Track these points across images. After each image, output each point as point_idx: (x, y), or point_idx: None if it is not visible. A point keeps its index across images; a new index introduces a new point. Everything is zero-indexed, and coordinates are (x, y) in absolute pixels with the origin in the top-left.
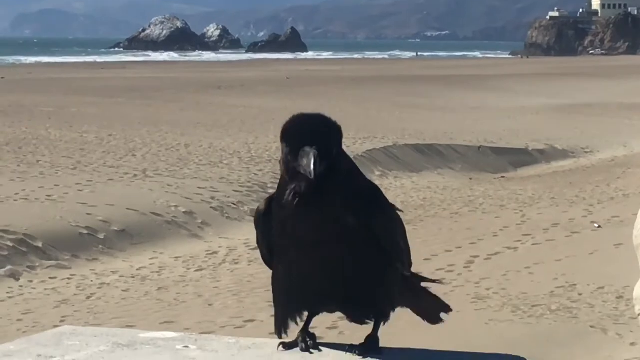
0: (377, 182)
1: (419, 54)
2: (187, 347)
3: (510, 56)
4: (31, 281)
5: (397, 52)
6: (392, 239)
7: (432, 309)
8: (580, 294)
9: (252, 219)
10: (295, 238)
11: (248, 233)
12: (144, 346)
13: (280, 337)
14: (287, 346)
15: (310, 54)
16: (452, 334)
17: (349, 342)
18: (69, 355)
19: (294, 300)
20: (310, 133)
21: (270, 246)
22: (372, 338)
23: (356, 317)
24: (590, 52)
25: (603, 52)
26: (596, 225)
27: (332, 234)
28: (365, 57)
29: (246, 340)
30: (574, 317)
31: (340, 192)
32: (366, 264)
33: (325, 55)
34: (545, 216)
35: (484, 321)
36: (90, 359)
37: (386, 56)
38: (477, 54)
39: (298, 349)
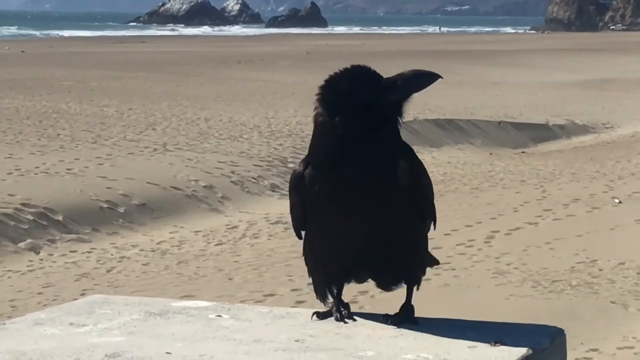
0: None
1: (442, 28)
2: (220, 316)
3: (531, 31)
4: (51, 254)
5: (418, 27)
6: (428, 197)
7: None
8: (600, 270)
9: (272, 193)
10: (336, 195)
11: (268, 207)
12: (177, 315)
13: (325, 303)
14: (321, 315)
15: (329, 29)
16: (473, 308)
17: (381, 309)
18: (101, 324)
19: (331, 265)
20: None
21: (306, 210)
22: (407, 307)
23: (387, 283)
24: (611, 27)
25: (624, 27)
26: (617, 200)
27: (375, 190)
28: (386, 32)
29: (279, 310)
30: (595, 293)
31: (388, 146)
32: (404, 223)
33: (345, 29)
34: (565, 191)
35: (504, 296)
36: (123, 327)
37: (407, 31)
38: (508, 29)
39: (332, 318)
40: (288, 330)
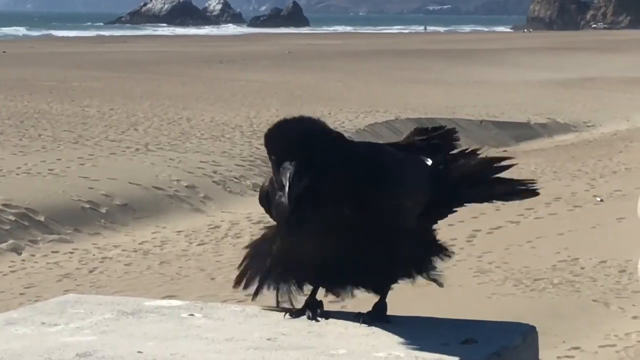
0: None
1: (427, 28)
2: (192, 315)
3: (512, 30)
4: (33, 255)
5: (402, 27)
6: (398, 213)
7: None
8: (582, 268)
9: (255, 192)
10: (295, 230)
11: (250, 207)
12: (149, 314)
13: (280, 307)
14: (294, 314)
15: (311, 28)
16: (454, 307)
17: (363, 307)
18: (73, 323)
19: (296, 275)
20: (289, 145)
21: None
22: (380, 305)
23: (369, 289)
24: (593, 26)
25: (605, 26)
26: (598, 199)
27: (333, 227)
28: (368, 31)
29: (252, 308)
30: (577, 291)
31: (334, 187)
32: (370, 242)
33: (327, 29)
34: (547, 190)
35: (486, 295)
36: (95, 327)
37: (390, 30)
38: (490, 28)
39: (305, 317)
40: (260, 329)
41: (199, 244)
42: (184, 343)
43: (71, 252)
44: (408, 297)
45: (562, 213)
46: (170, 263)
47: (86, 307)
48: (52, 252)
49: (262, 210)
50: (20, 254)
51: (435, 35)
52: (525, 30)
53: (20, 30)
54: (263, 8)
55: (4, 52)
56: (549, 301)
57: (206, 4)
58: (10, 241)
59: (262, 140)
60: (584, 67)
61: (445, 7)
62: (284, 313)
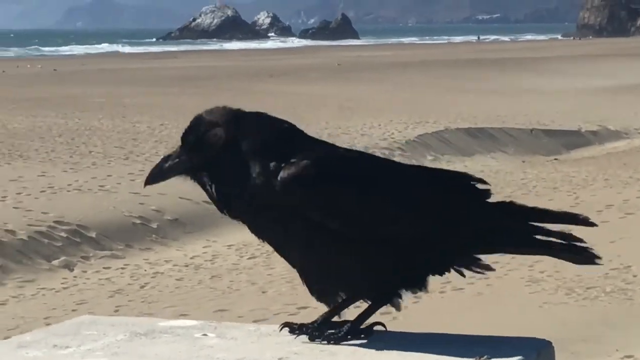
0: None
1: (480, 37)
2: (205, 335)
3: (562, 38)
4: (85, 271)
5: (451, 36)
6: (327, 210)
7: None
8: (634, 276)
9: None
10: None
11: None
12: (163, 335)
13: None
14: (298, 331)
15: (360, 40)
16: (507, 316)
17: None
18: (85, 345)
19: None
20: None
21: None
22: (353, 321)
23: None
24: None
25: None
26: None
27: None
28: (417, 42)
29: (267, 328)
30: (629, 299)
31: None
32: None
33: (376, 40)
34: (598, 198)
35: (538, 304)
36: (107, 349)
37: (439, 41)
38: (540, 36)
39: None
40: (273, 349)
41: (249, 258)
42: None
43: (123, 268)
44: (460, 308)
45: (614, 220)
46: (221, 277)
47: (100, 328)
48: (104, 268)
49: None
50: (72, 270)
51: (485, 44)
52: (574, 37)
53: (75, 48)
54: (312, 21)
55: (54, 70)
56: (601, 309)
57: (255, 18)
58: (62, 258)
59: None
60: (635, 74)
61: (495, 16)
62: (293, 332)
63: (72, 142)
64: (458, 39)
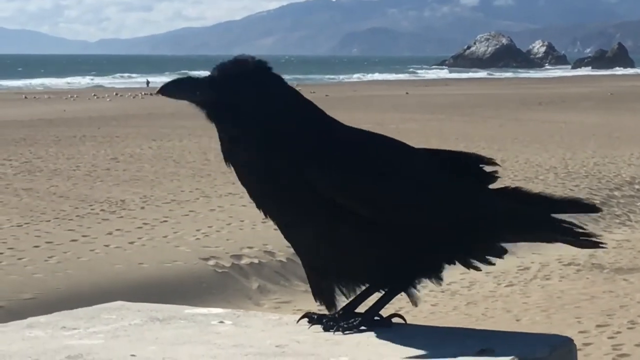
0: None
1: None
2: (222, 322)
3: None
4: None
5: None
6: (347, 191)
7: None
8: None
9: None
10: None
11: (560, 249)
12: (180, 321)
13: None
14: (316, 320)
15: (637, 70)
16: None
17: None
18: (93, 328)
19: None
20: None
21: None
22: (365, 313)
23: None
24: None
25: None
26: None
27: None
28: None
29: (289, 318)
30: None
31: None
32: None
33: None
34: None
35: None
36: (112, 332)
37: None
38: None
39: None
40: (279, 337)
41: (507, 285)
42: (186, 348)
43: None
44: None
45: None
46: (476, 304)
47: (122, 313)
48: None
49: (573, 252)
50: None
51: None
52: None
53: (340, 77)
54: (588, 50)
55: (326, 95)
56: None
57: (530, 47)
58: None
59: (576, 182)
60: None
61: None
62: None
63: None
64: None
